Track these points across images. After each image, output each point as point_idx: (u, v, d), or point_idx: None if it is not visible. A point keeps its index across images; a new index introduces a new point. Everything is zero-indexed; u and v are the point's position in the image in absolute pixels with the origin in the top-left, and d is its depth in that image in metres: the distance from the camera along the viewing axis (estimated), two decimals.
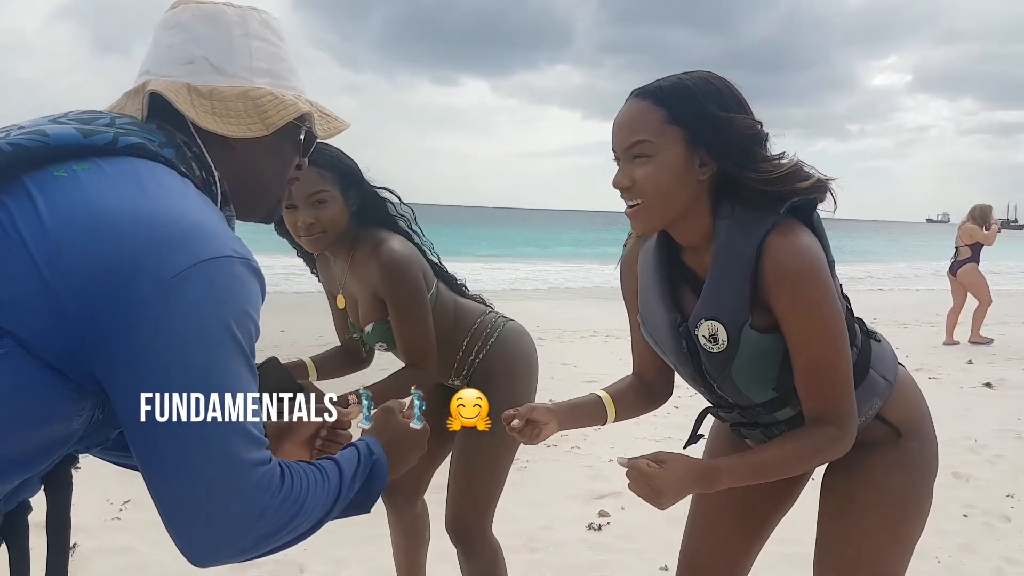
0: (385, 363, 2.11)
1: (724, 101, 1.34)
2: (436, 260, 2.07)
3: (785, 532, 1.79)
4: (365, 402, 1.25)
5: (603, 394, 1.61)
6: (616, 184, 1.38)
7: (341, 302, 2.06)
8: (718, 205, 1.38)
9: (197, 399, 0.79)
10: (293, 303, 9.51)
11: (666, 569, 2.87)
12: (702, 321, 1.40)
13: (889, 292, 15.66)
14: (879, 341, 1.55)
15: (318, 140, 1.07)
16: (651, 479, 1.28)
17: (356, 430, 1.25)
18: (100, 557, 2.82)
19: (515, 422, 1.47)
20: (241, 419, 0.82)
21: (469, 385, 2.13)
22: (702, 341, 1.41)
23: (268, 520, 0.84)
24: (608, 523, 3.29)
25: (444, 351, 2.04)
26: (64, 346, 0.78)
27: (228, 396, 0.81)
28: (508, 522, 2.17)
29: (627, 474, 1.32)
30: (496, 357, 2.10)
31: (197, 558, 0.84)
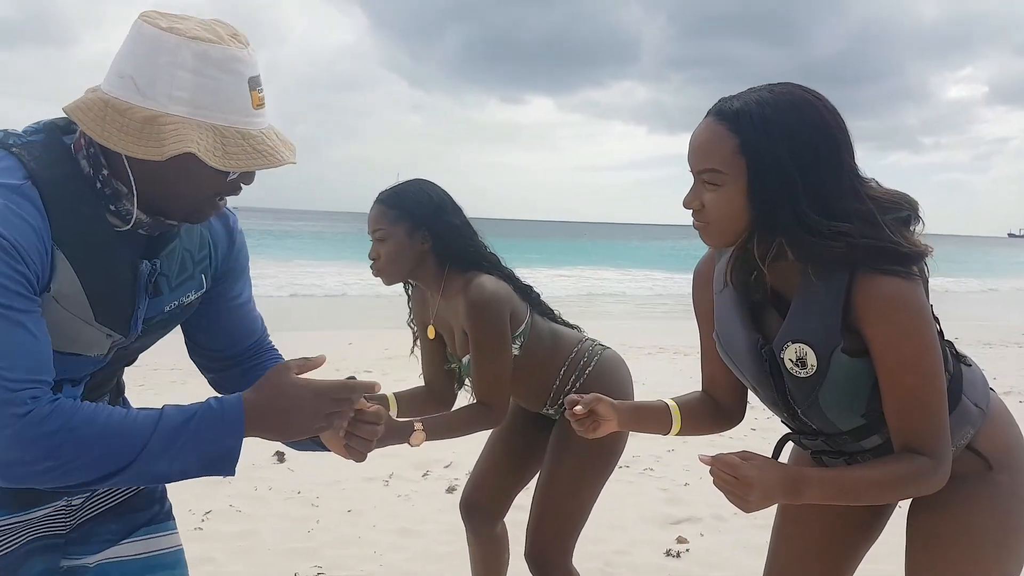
0: None
1: (809, 141, 1.23)
2: (527, 288, 2.06)
3: (870, 564, 1.69)
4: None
5: (671, 403, 1.54)
6: (685, 204, 1.34)
7: (431, 332, 2.08)
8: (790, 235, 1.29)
9: None
10: (363, 307, 9.60)
11: None
12: (789, 343, 1.33)
13: (971, 308, 14.93)
14: (969, 365, 1.46)
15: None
16: (737, 469, 1.21)
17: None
18: None
19: (578, 408, 1.43)
20: None
21: (563, 415, 2.10)
22: (788, 364, 1.34)
23: (13, 449, 0.95)
24: (687, 550, 3.18)
25: (540, 380, 2.03)
26: None
27: None
28: (582, 544, 2.11)
29: (711, 471, 1.25)
30: (593, 385, 2.05)
31: None
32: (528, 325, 2.01)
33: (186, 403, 1.07)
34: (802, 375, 1.32)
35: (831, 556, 1.58)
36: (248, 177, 1.13)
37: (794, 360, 1.32)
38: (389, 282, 1.99)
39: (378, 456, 5.06)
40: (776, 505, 1.68)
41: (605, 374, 2.08)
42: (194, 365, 1.44)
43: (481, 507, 2.25)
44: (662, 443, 4.68)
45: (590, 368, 2.07)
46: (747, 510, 1.24)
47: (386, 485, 3.86)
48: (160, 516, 1.38)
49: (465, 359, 2.00)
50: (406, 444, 1.79)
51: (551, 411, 2.12)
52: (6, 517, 1.19)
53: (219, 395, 1.10)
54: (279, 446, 4.06)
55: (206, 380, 1.45)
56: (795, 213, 1.24)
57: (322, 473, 3.89)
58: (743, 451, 1.28)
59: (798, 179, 1.23)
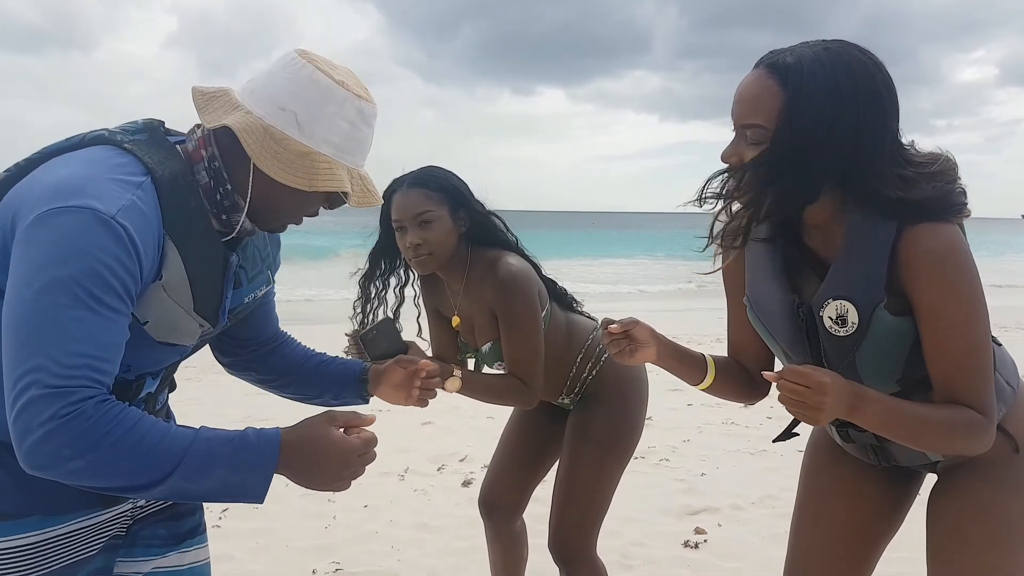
0: None
1: (857, 92, 1.20)
2: (549, 276, 2.05)
3: (892, 552, 1.67)
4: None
5: (708, 356, 1.52)
6: (723, 158, 1.29)
7: (456, 321, 2.05)
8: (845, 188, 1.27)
9: (18, 313, 0.98)
10: None
11: None
12: (829, 301, 1.29)
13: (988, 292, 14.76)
14: (1000, 345, 1.43)
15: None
16: (810, 377, 1.15)
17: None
18: None
19: (613, 326, 1.40)
20: (53, 349, 0.96)
21: (579, 403, 2.09)
22: (827, 323, 1.31)
23: (53, 441, 0.95)
24: (705, 540, 3.16)
25: (556, 369, 2.01)
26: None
27: (43, 321, 0.97)
28: (600, 536, 2.10)
29: (779, 385, 1.19)
30: (609, 373, 2.05)
31: (19, 457, 0.98)
32: (548, 312, 1.99)
33: (221, 427, 1.08)
34: (841, 333, 1.30)
35: (854, 546, 1.56)
36: (331, 207, 1.26)
37: (834, 318, 1.30)
38: (433, 269, 1.93)
39: (393, 451, 5.07)
40: (796, 490, 1.66)
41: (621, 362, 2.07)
42: (212, 358, 1.48)
43: (500, 504, 2.25)
44: (677, 434, 4.66)
45: (606, 355, 2.05)
46: (819, 421, 1.19)
47: (402, 480, 3.86)
48: (201, 527, 1.41)
49: (485, 347, 1.99)
50: (434, 396, 1.62)
51: (566, 400, 2.11)
52: (90, 516, 1.21)
53: (256, 428, 1.10)
54: None
55: (220, 364, 1.49)
56: (827, 174, 1.22)
57: None
58: (804, 363, 1.24)
59: (841, 135, 1.20)
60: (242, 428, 1.08)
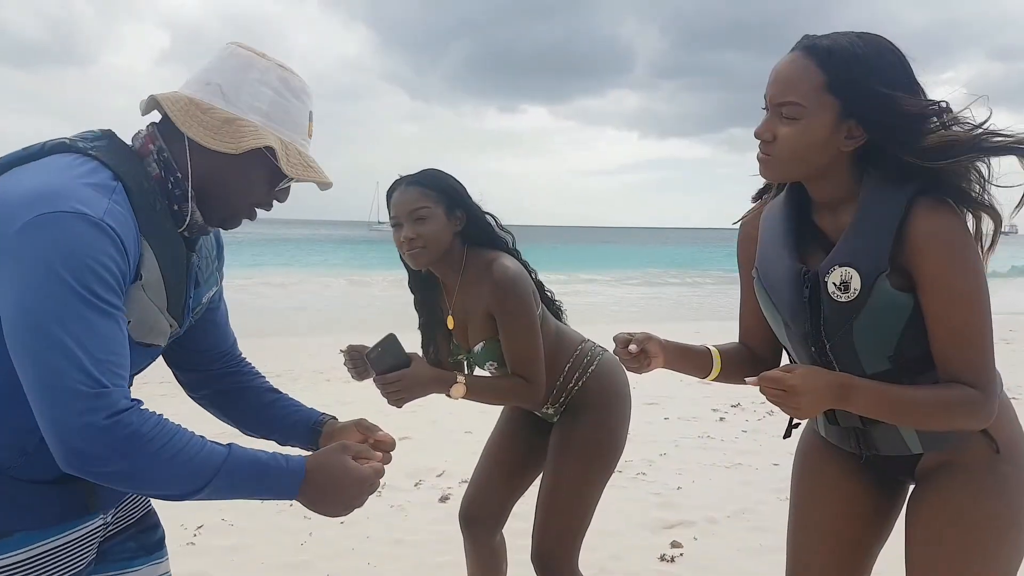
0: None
1: (894, 76, 1.30)
2: (539, 280, 2.08)
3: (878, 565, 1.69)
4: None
5: (712, 348, 1.59)
6: (758, 134, 1.37)
7: (451, 322, 2.07)
8: (863, 167, 1.36)
9: (29, 322, 0.98)
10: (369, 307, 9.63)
11: None
12: (835, 267, 1.35)
13: None
14: None
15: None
16: (781, 381, 1.25)
17: None
18: None
19: (632, 347, 1.48)
20: (76, 350, 0.97)
21: (563, 414, 2.11)
22: (830, 288, 1.36)
23: (98, 442, 0.96)
24: (682, 554, 3.18)
25: (545, 376, 2.02)
26: None
27: (57, 325, 0.97)
28: None
29: (761, 389, 1.28)
30: (594, 386, 2.07)
31: (53, 452, 0.99)
32: (542, 314, 2.02)
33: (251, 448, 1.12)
34: (843, 300, 1.35)
35: (847, 556, 1.57)
36: (283, 194, 1.27)
37: (837, 284, 1.35)
38: (425, 263, 1.98)
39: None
40: (788, 497, 1.69)
41: (607, 375, 2.09)
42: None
43: (481, 519, 2.24)
44: (654, 448, 4.69)
45: (593, 367, 2.07)
46: (801, 416, 1.30)
47: (379, 495, 3.83)
48: (162, 539, 1.42)
49: (478, 347, 2.00)
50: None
51: (550, 410, 2.12)
52: (68, 531, 1.20)
53: (284, 456, 1.14)
54: None
55: (181, 385, 1.49)
56: (911, 134, 1.29)
57: None
58: (784, 364, 1.34)
59: (902, 107, 1.29)
60: (268, 451, 1.12)
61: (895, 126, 1.30)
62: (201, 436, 1.07)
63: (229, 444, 1.09)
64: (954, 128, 1.31)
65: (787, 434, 1.63)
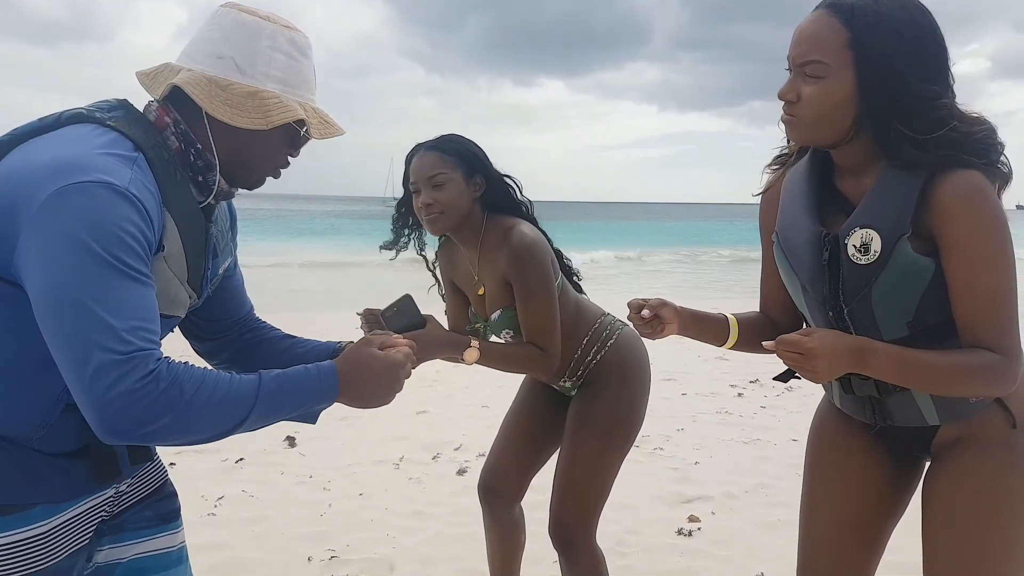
0: None
1: (917, 44, 1.27)
2: (557, 248, 2.07)
3: (893, 540, 1.68)
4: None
5: (730, 316, 1.57)
6: (781, 95, 1.35)
7: (480, 289, 2.06)
8: (888, 129, 1.32)
9: (58, 295, 0.97)
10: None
11: None
12: (856, 229, 1.34)
13: None
14: None
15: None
16: (799, 344, 1.24)
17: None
18: (195, 552, 2.86)
19: (644, 312, 1.47)
20: (108, 317, 0.97)
21: (581, 388, 2.10)
22: (851, 250, 1.34)
23: (137, 405, 0.96)
24: (699, 528, 3.19)
25: (562, 348, 2.00)
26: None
27: (86, 296, 0.97)
28: None
29: (779, 353, 1.28)
30: (613, 359, 2.06)
31: (92, 425, 0.98)
32: (560, 284, 2.00)
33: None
34: (863, 262, 1.33)
35: (863, 534, 1.56)
36: (297, 151, 1.28)
37: (857, 246, 1.34)
38: (444, 229, 1.97)
39: (388, 439, 5.06)
40: (801, 479, 1.67)
41: (625, 348, 2.08)
42: (190, 347, 1.48)
43: (499, 491, 2.25)
44: (672, 423, 4.68)
45: (612, 340, 2.06)
46: (818, 380, 1.28)
47: (397, 468, 3.87)
48: (179, 509, 1.42)
49: (495, 315, 1.99)
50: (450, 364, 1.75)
51: (567, 383, 2.11)
52: (84, 500, 1.21)
53: (311, 365, 1.16)
54: (290, 431, 4.11)
55: (198, 354, 1.48)
56: (899, 107, 1.27)
57: (333, 457, 3.89)
58: (804, 328, 1.33)
59: (907, 75, 1.26)
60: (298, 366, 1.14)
61: (895, 101, 1.27)
62: (228, 372, 1.08)
63: (258, 372, 1.10)
64: (956, 125, 1.28)
65: (785, 378, 1.56)
